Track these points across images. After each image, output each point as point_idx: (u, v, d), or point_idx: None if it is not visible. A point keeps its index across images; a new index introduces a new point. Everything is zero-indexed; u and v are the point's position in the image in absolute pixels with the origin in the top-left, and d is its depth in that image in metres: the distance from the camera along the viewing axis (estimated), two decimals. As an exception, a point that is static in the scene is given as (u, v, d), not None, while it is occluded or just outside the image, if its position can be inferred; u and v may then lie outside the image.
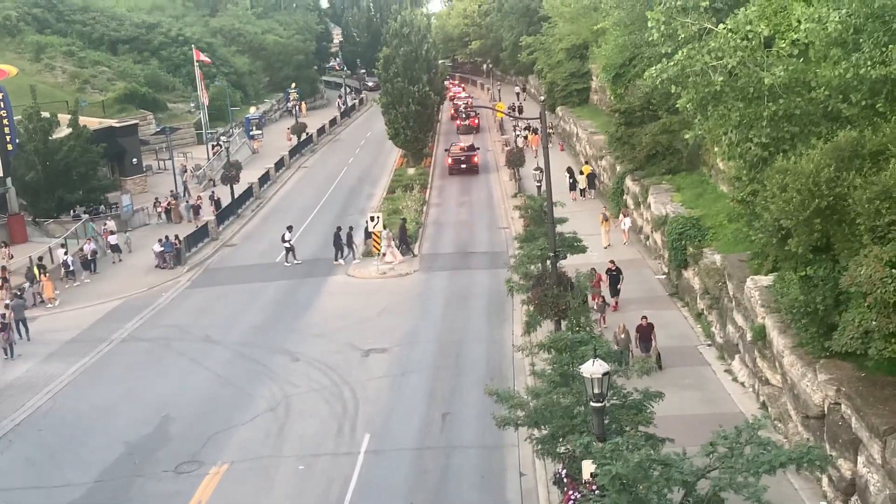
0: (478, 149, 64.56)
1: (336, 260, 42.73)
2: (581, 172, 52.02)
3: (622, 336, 27.53)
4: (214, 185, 59.10)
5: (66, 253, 43.63)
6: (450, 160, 60.80)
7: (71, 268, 43.00)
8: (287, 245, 43.92)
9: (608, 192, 47.07)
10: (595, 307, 30.90)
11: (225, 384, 29.79)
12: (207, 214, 52.11)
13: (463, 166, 59.93)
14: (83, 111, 58.72)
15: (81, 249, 44.57)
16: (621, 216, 42.59)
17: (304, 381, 29.63)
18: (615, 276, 33.37)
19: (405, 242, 43.84)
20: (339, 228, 43.87)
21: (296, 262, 43.18)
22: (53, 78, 74.80)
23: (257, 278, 42.05)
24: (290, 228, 44.43)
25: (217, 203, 53.15)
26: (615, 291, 33.31)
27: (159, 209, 53.72)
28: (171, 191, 57.26)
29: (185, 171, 63.18)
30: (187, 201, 55.58)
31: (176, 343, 34.21)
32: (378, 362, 30.52)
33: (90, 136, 51.95)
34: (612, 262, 33.82)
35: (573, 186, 51.07)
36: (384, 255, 42.42)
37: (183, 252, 44.57)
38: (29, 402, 29.45)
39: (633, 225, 42.53)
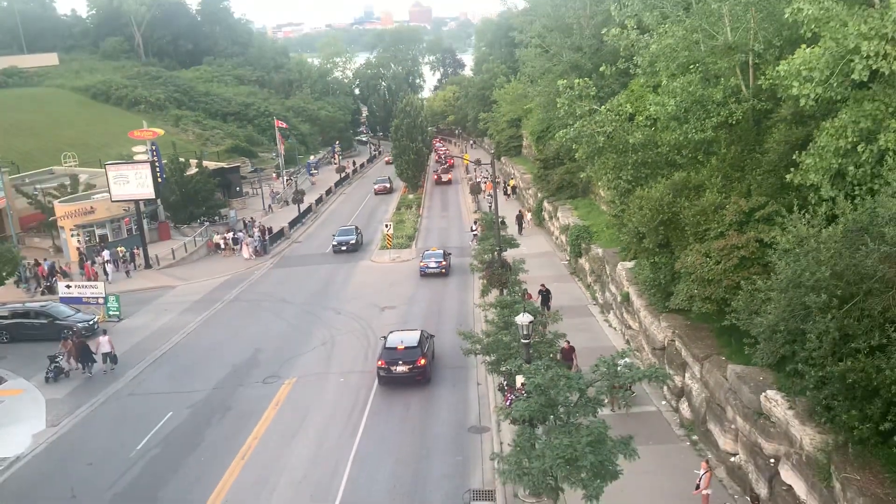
0: (453, 168, 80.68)
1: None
2: (507, 184, 61.95)
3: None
4: (288, 204, 65.10)
5: (258, 234, 47.90)
6: (435, 176, 76.79)
7: (258, 245, 45.97)
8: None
9: (533, 209, 51.63)
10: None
11: (294, 329, 31.56)
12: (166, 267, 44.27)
13: (443, 178, 75.92)
14: (205, 157, 66.19)
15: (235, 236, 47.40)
16: (525, 212, 48.33)
17: (344, 326, 31.38)
18: (545, 295, 30.00)
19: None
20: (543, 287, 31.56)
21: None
22: (186, 137, 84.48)
23: (315, 262, 44.40)
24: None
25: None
26: (546, 309, 28.17)
27: (209, 246, 49.69)
28: (244, 220, 57.30)
29: (275, 195, 68.26)
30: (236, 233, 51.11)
31: (264, 303, 36.26)
32: (390, 314, 32.79)
33: (209, 173, 58.26)
34: (542, 284, 30.88)
35: (505, 192, 60.95)
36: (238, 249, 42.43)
37: (268, 246, 48.23)
38: (172, 339, 31.47)
39: (533, 219, 49.25)
